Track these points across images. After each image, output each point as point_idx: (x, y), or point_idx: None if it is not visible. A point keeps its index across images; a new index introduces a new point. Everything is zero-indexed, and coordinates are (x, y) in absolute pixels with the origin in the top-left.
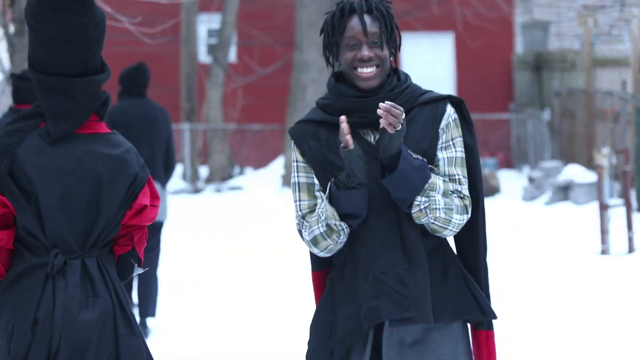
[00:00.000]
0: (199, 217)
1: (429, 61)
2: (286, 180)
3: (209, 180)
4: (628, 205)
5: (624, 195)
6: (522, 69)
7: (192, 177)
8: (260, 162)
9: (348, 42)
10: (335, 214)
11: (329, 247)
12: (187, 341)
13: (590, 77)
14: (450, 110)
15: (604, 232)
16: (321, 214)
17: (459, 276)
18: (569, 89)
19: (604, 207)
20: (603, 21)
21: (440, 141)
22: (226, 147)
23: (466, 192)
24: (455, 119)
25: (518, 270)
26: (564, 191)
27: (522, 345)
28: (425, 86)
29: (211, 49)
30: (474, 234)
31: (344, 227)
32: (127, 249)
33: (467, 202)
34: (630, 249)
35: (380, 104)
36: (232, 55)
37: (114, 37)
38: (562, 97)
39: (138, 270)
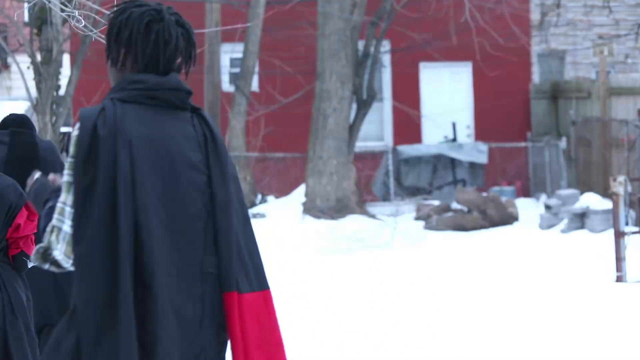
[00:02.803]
0: None
1: (448, 91)
2: (307, 208)
3: None
4: None
5: None
6: (539, 98)
7: None
8: (282, 190)
9: None
10: None
11: None
12: None
13: (605, 105)
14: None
15: (619, 259)
16: None
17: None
18: (585, 117)
19: (619, 235)
20: (618, 50)
21: None
22: (249, 175)
23: (46, 233)
24: (75, 135)
25: (535, 297)
26: (581, 219)
27: None
28: (444, 116)
29: (234, 78)
30: None
31: None
32: (17, 252)
33: (42, 247)
34: None
35: None
36: (255, 84)
37: None
38: (578, 125)
39: (30, 264)
